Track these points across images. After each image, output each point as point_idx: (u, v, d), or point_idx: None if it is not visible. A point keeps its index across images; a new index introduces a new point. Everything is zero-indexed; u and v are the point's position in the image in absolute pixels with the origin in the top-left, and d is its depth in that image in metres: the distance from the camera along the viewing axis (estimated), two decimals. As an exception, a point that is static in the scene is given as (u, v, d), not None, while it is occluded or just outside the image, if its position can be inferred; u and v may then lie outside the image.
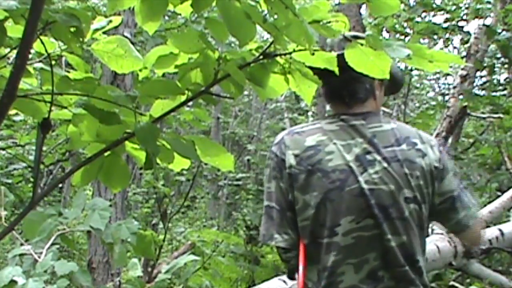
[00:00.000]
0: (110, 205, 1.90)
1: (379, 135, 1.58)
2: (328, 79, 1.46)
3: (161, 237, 4.77)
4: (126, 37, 1.49)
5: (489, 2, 5.37)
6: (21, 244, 1.87)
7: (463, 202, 1.62)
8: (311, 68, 1.32)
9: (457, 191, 1.62)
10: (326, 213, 1.52)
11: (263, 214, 1.63)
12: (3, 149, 5.23)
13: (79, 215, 1.87)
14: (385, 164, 1.53)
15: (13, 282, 1.64)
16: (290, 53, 1.30)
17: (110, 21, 1.37)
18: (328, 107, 1.87)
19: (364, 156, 1.54)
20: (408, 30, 5.62)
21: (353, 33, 1.61)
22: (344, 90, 1.63)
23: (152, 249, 1.93)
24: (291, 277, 1.68)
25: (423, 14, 5.90)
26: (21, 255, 1.81)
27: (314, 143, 1.57)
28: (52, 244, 1.79)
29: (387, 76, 1.26)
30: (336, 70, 1.28)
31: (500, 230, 3.89)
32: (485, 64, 5.53)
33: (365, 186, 1.51)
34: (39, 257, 1.77)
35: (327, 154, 1.54)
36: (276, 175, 1.59)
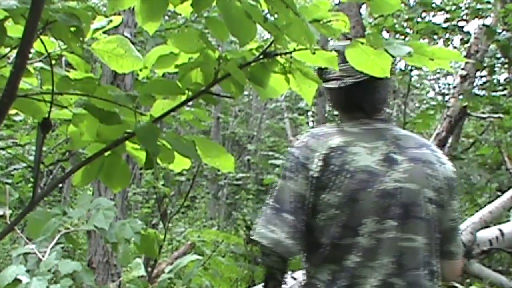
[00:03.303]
0: (115, 205, 1.90)
1: (401, 138, 1.59)
2: (347, 92, 1.52)
3: (161, 237, 4.77)
4: (126, 37, 1.49)
5: (489, 2, 5.37)
6: (25, 243, 1.87)
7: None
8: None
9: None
10: (351, 213, 1.49)
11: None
12: (3, 149, 5.23)
13: (84, 215, 1.87)
14: (410, 164, 1.53)
15: (17, 280, 1.64)
16: (290, 53, 1.29)
17: (110, 21, 1.37)
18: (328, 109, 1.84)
19: (389, 157, 1.53)
20: (408, 30, 5.62)
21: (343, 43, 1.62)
22: (364, 102, 1.64)
23: (155, 248, 1.94)
24: None
25: (423, 14, 5.90)
26: (25, 254, 1.81)
27: (339, 143, 1.54)
28: (56, 243, 1.80)
29: (388, 75, 1.26)
30: (337, 68, 1.28)
31: (500, 230, 3.88)
32: (485, 64, 5.52)
33: (391, 185, 1.50)
34: (43, 256, 1.77)
35: (351, 155, 1.51)
36: (292, 176, 1.54)
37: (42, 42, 1.23)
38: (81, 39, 1.22)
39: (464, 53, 5.25)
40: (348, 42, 1.52)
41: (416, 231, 1.49)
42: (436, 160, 1.57)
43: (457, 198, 1.63)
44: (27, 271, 1.69)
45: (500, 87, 6.20)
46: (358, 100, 1.62)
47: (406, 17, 5.54)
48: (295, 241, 1.50)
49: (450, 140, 5.24)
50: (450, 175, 1.59)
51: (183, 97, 1.35)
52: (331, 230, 1.49)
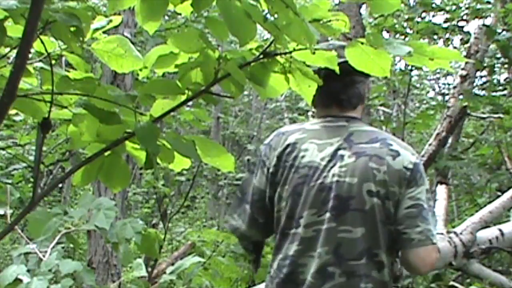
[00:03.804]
0: (115, 205, 1.90)
1: (356, 133, 1.66)
2: (328, 83, 1.48)
3: (161, 237, 4.76)
4: (126, 37, 1.49)
5: (489, 2, 5.37)
6: (27, 243, 1.87)
7: (432, 218, 1.61)
8: (313, 71, 1.33)
9: (428, 206, 1.61)
10: (293, 205, 1.61)
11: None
12: (3, 149, 5.23)
13: (85, 215, 1.87)
14: (353, 159, 1.60)
15: (18, 280, 1.64)
16: (290, 52, 1.29)
17: (110, 20, 1.37)
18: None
19: (336, 152, 1.62)
20: (408, 30, 5.61)
21: (339, 42, 1.63)
22: (343, 95, 1.70)
23: (156, 247, 1.94)
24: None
25: (423, 14, 5.89)
26: (26, 253, 1.81)
27: (293, 141, 1.67)
28: (57, 243, 1.80)
29: (388, 75, 1.26)
30: (337, 69, 1.28)
31: (500, 230, 3.88)
32: (485, 64, 5.52)
33: (332, 179, 1.59)
34: (43, 256, 1.77)
35: (302, 151, 1.64)
36: (255, 172, 1.73)
37: (42, 42, 1.23)
38: (81, 39, 1.22)
39: (464, 53, 5.25)
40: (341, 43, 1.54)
41: (354, 223, 1.56)
42: (387, 154, 1.60)
43: (419, 187, 1.60)
44: (28, 270, 1.69)
45: (500, 87, 6.19)
46: (337, 92, 1.68)
47: (406, 17, 5.54)
48: (251, 228, 1.72)
49: (450, 140, 5.23)
50: (406, 166, 1.60)
51: (183, 97, 1.35)
52: (280, 221, 1.64)
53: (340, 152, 1.61)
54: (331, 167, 1.60)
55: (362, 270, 1.54)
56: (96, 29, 1.34)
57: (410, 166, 1.60)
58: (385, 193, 1.57)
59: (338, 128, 1.67)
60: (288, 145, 1.66)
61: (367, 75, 1.67)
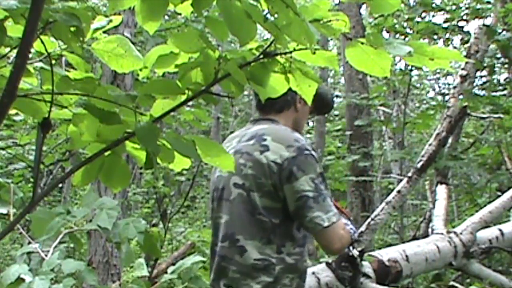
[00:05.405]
0: (117, 205, 1.91)
1: (247, 134, 1.87)
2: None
3: (162, 236, 4.75)
4: (126, 37, 1.49)
5: (489, 2, 5.37)
6: (29, 242, 1.88)
7: (319, 204, 1.72)
8: None
9: (314, 193, 1.72)
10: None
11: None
12: (3, 149, 5.23)
13: (88, 214, 1.87)
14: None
15: (20, 279, 1.64)
16: (290, 52, 1.29)
17: (110, 20, 1.37)
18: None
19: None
20: (408, 30, 5.61)
21: None
22: (266, 100, 1.85)
23: (158, 247, 1.97)
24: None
25: (423, 14, 5.89)
26: (28, 253, 1.81)
27: None
28: (59, 242, 1.80)
29: (388, 75, 1.26)
30: (337, 68, 1.28)
31: (500, 230, 3.88)
32: (485, 64, 5.52)
33: (218, 175, 1.88)
34: (46, 255, 1.77)
35: None
36: None
37: (42, 42, 1.23)
38: (81, 39, 1.22)
39: (464, 53, 5.24)
40: None
41: (223, 210, 1.82)
42: (256, 150, 1.78)
43: (299, 179, 1.72)
44: (30, 270, 1.69)
45: (500, 87, 6.19)
46: (259, 98, 1.84)
47: (406, 17, 5.54)
48: None
49: (450, 140, 5.23)
50: (274, 161, 1.74)
51: (183, 97, 1.35)
52: None
53: (230, 152, 1.83)
54: None
55: (224, 252, 1.77)
56: (96, 29, 1.34)
57: (279, 161, 1.74)
58: (250, 186, 1.76)
59: (243, 131, 1.92)
60: None
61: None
